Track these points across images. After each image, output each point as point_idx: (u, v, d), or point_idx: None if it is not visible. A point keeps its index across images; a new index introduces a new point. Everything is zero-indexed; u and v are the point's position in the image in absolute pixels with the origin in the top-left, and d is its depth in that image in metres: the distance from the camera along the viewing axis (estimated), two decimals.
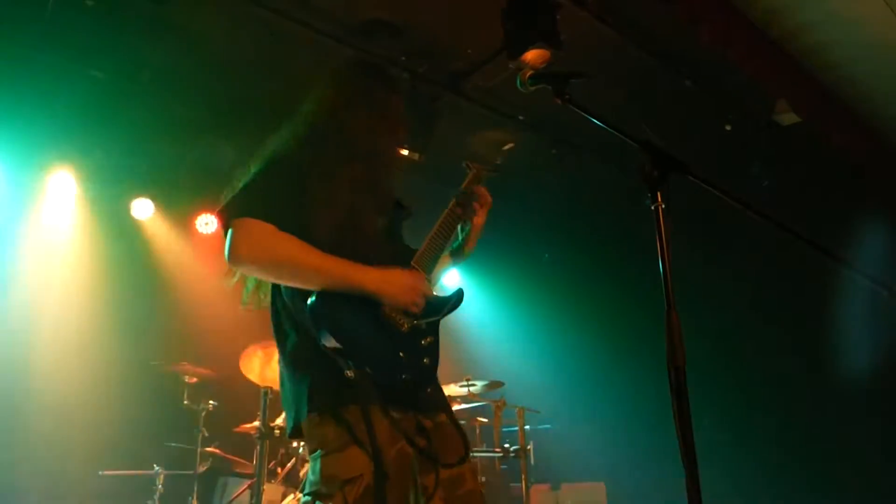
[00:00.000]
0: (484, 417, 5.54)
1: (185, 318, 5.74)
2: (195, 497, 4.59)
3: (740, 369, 6.02)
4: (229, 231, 1.87)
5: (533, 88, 1.80)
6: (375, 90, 2.23)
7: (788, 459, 5.56)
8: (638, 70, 4.82)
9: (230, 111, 5.17)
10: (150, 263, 5.92)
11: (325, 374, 1.86)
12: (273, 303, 2.07)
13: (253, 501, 4.11)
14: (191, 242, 6.13)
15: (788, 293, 5.84)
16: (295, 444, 4.46)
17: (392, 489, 1.82)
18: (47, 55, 4.50)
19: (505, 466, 5.59)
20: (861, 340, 5.13)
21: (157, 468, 4.66)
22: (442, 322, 2.10)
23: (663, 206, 1.53)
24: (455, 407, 5.23)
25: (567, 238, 7.05)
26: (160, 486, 4.61)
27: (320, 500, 1.79)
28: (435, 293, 2.12)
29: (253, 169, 2.04)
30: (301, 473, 4.21)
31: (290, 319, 2.00)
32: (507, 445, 4.99)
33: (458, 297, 2.13)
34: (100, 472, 4.72)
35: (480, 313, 7.21)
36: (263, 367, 4.60)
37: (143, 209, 5.87)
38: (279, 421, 4.13)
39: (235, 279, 2.12)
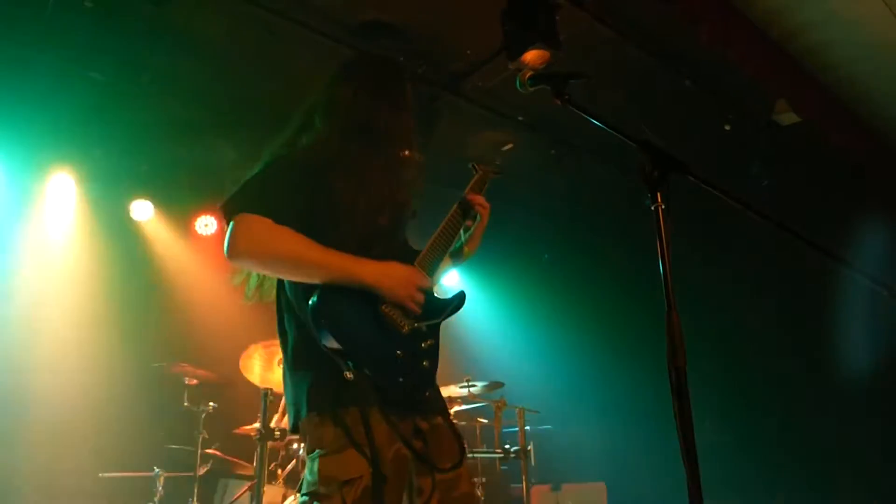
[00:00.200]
0: (484, 418, 5.54)
1: (185, 319, 5.73)
2: (195, 499, 4.59)
3: (741, 369, 6.02)
4: (230, 226, 1.88)
5: (532, 89, 1.80)
6: (389, 85, 2.23)
7: (789, 459, 5.56)
8: (637, 70, 4.82)
9: (230, 112, 5.18)
10: (150, 265, 5.92)
11: (325, 374, 1.86)
12: (277, 299, 2.08)
13: (253, 503, 4.11)
14: (190, 244, 6.13)
15: (788, 293, 5.84)
16: (295, 445, 4.46)
17: (390, 491, 1.82)
18: (47, 57, 4.50)
19: (505, 467, 5.58)
20: (861, 340, 5.13)
21: (157, 470, 4.65)
22: (442, 322, 2.10)
23: (663, 206, 1.52)
24: (455, 408, 5.23)
25: (567, 238, 7.05)
26: (160, 488, 4.60)
27: (318, 501, 1.79)
28: (436, 295, 2.12)
29: (260, 163, 2.04)
30: (302, 475, 4.21)
31: (292, 317, 2.00)
32: (507, 446, 4.98)
33: (459, 299, 2.13)
34: (100, 474, 4.71)
35: (480, 314, 7.21)
36: (264, 368, 4.59)
37: (142, 211, 5.86)
38: (282, 423, 4.13)
39: (241, 277, 2.13)
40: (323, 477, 1.81)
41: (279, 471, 4.56)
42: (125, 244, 5.77)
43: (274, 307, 2.10)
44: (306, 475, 1.87)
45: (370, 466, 1.79)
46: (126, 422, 5.14)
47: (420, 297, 1.99)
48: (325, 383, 1.87)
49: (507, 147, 5.86)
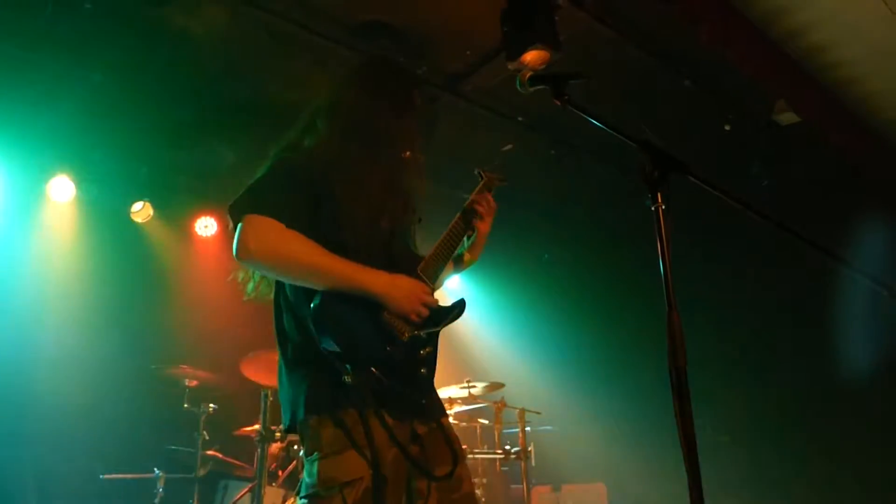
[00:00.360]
0: (484, 419, 5.54)
1: (185, 321, 5.73)
2: (196, 500, 4.58)
3: (741, 369, 6.01)
4: (238, 226, 1.87)
5: (532, 89, 1.80)
6: (394, 89, 2.23)
7: (789, 460, 5.55)
8: (637, 70, 4.82)
9: (229, 114, 5.17)
10: (150, 267, 5.92)
11: (325, 377, 1.86)
12: (276, 300, 2.08)
13: None
14: (190, 245, 6.14)
15: (788, 293, 5.84)
16: (296, 446, 4.46)
17: (390, 492, 1.82)
18: (46, 59, 4.49)
19: (506, 468, 5.58)
20: (861, 340, 5.13)
21: (157, 471, 4.65)
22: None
23: (663, 206, 1.52)
24: (456, 408, 5.23)
25: (567, 239, 7.04)
26: (161, 490, 4.60)
27: (319, 503, 1.79)
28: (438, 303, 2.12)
29: (265, 165, 2.04)
30: (301, 477, 4.20)
31: (292, 318, 2.00)
32: (507, 447, 4.99)
33: (459, 308, 2.13)
34: (101, 476, 4.71)
35: (480, 315, 7.22)
36: (267, 372, 4.60)
37: (142, 212, 5.86)
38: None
39: (244, 276, 2.13)
40: (323, 479, 1.80)
41: (279, 472, 4.56)
42: (125, 246, 5.77)
43: (272, 307, 2.10)
44: (305, 477, 1.87)
45: (370, 468, 1.79)
46: (126, 423, 5.14)
47: (424, 312, 2.00)
48: (323, 385, 1.87)
49: (506, 148, 5.86)
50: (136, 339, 5.40)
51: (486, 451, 5.17)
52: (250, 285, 2.14)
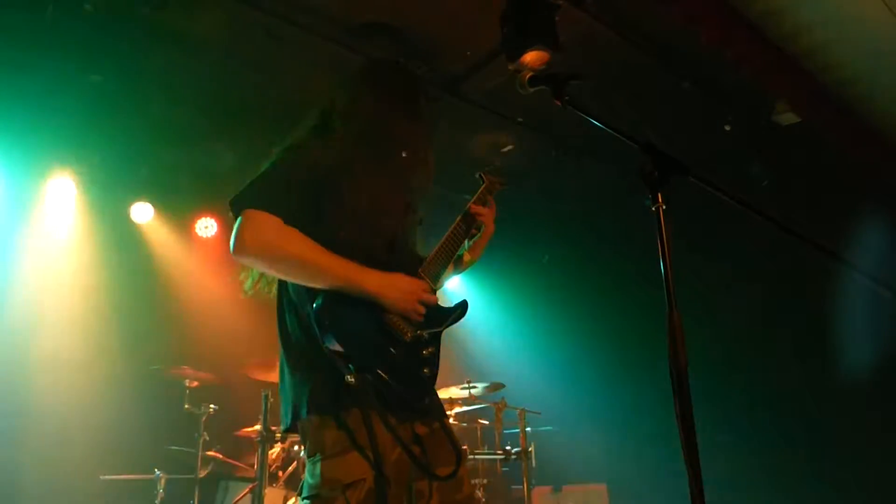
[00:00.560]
0: (485, 419, 5.54)
1: (186, 321, 5.73)
2: (196, 501, 4.59)
3: (742, 369, 6.01)
4: (237, 221, 1.87)
5: (532, 90, 1.81)
6: (402, 93, 2.24)
7: (790, 460, 5.55)
8: (637, 70, 4.82)
9: (229, 115, 5.17)
10: (150, 267, 5.92)
11: (327, 376, 1.86)
12: (279, 298, 2.08)
13: None
14: (190, 246, 6.14)
15: (789, 293, 5.84)
16: (297, 447, 4.46)
17: (393, 494, 1.82)
18: (47, 60, 4.49)
19: (506, 468, 5.58)
20: (862, 340, 5.12)
21: (158, 472, 4.65)
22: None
23: (664, 206, 1.53)
24: (456, 409, 5.22)
25: (567, 239, 7.04)
26: (161, 490, 4.60)
27: None
28: (439, 303, 2.12)
29: (269, 161, 2.04)
30: (302, 477, 4.20)
31: (295, 318, 1.99)
32: (508, 447, 4.98)
33: (461, 308, 2.14)
34: (101, 477, 4.71)
35: (481, 315, 7.21)
36: (269, 372, 4.60)
37: (142, 213, 5.87)
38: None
39: (244, 273, 2.13)
40: (325, 479, 1.80)
41: (280, 472, 4.56)
42: (125, 247, 5.77)
43: (274, 306, 2.10)
44: (307, 478, 1.87)
45: (373, 469, 1.79)
46: (127, 424, 5.14)
47: (422, 310, 2.00)
48: (326, 385, 1.87)
49: (507, 148, 5.86)
50: (136, 340, 5.40)
51: (486, 451, 5.16)
52: (248, 282, 2.14)
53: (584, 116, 1.71)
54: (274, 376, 4.46)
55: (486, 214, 2.33)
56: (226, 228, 6.13)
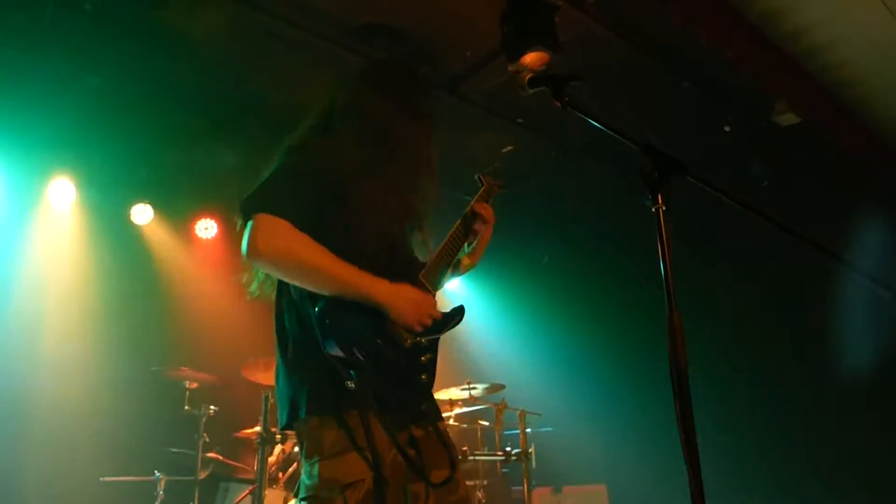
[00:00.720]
0: (485, 420, 5.53)
1: (186, 323, 5.73)
2: (196, 503, 4.58)
3: (742, 370, 6.01)
4: (248, 225, 1.87)
5: (532, 91, 1.80)
6: (411, 95, 2.24)
7: (790, 461, 5.55)
8: (637, 71, 4.82)
9: (228, 116, 5.17)
10: (150, 268, 5.91)
11: (326, 379, 1.86)
12: (277, 299, 2.08)
13: None
14: (190, 247, 6.13)
15: (789, 293, 5.84)
16: (297, 448, 4.45)
17: (391, 495, 1.83)
18: (46, 60, 4.49)
19: (506, 470, 5.58)
20: (861, 340, 5.12)
21: (158, 474, 4.65)
22: None
23: (664, 207, 1.52)
24: (456, 410, 5.22)
25: (567, 240, 7.04)
26: (161, 492, 4.60)
27: None
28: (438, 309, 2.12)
29: (275, 163, 2.03)
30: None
31: (295, 318, 1.99)
32: (508, 448, 4.98)
33: (459, 314, 2.15)
34: (101, 479, 4.70)
35: (481, 316, 7.21)
36: (268, 373, 4.60)
37: (142, 214, 5.86)
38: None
39: (248, 275, 2.13)
40: (323, 480, 1.80)
41: (280, 474, 4.56)
42: (125, 248, 5.77)
43: (272, 307, 2.10)
44: (304, 479, 1.87)
45: (371, 470, 1.79)
46: (127, 426, 5.14)
47: (428, 323, 2.01)
48: (325, 387, 1.87)
49: (506, 149, 5.86)
50: (136, 342, 5.39)
51: (486, 452, 5.16)
52: (254, 284, 2.14)
53: (583, 117, 1.71)
54: (270, 380, 4.50)
55: (486, 219, 2.33)
56: (226, 230, 6.13)
